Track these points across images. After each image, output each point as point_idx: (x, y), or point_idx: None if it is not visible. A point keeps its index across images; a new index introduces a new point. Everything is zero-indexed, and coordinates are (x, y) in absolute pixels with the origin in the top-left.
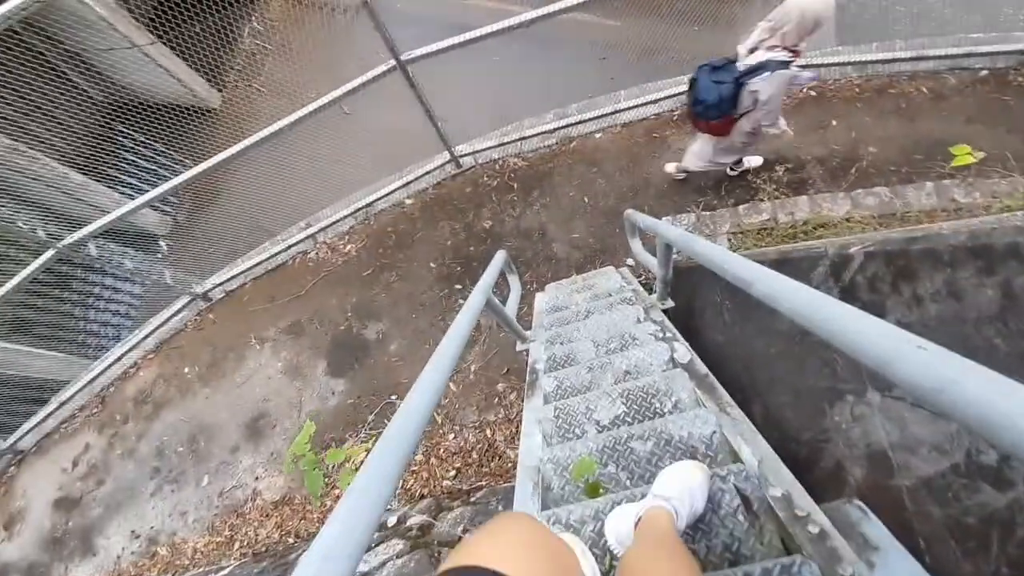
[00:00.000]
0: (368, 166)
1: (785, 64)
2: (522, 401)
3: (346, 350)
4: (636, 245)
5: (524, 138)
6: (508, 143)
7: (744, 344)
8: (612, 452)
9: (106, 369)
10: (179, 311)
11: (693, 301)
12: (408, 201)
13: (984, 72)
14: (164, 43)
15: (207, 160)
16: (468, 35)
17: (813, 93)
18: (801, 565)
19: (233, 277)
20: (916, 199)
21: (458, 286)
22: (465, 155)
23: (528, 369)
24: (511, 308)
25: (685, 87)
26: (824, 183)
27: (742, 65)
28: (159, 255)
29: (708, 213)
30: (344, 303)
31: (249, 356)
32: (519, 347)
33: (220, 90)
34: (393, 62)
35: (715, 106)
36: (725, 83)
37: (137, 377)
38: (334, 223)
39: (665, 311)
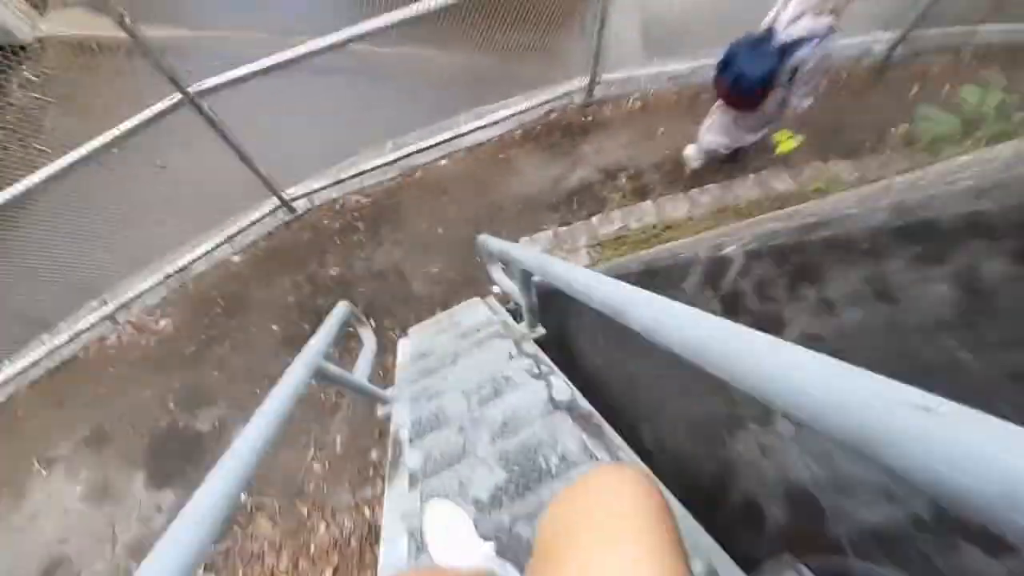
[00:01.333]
0: (181, 223)
1: (830, 32)
2: None
3: (172, 451)
4: (496, 272)
5: (363, 172)
6: (346, 179)
7: (623, 364)
8: (499, 546)
9: None
10: None
11: (565, 325)
12: (236, 258)
13: None
14: None
15: None
16: (264, 62)
17: (639, 104)
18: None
19: None
20: (744, 191)
21: None
22: (298, 198)
23: (391, 441)
24: (363, 367)
25: (520, 107)
26: (664, 187)
27: (785, 36)
28: None
29: (564, 228)
30: (164, 393)
31: (32, 487)
32: (379, 412)
33: None
34: (179, 95)
35: (760, 80)
36: (769, 56)
37: None
38: (140, 296)
39: (537, 340)
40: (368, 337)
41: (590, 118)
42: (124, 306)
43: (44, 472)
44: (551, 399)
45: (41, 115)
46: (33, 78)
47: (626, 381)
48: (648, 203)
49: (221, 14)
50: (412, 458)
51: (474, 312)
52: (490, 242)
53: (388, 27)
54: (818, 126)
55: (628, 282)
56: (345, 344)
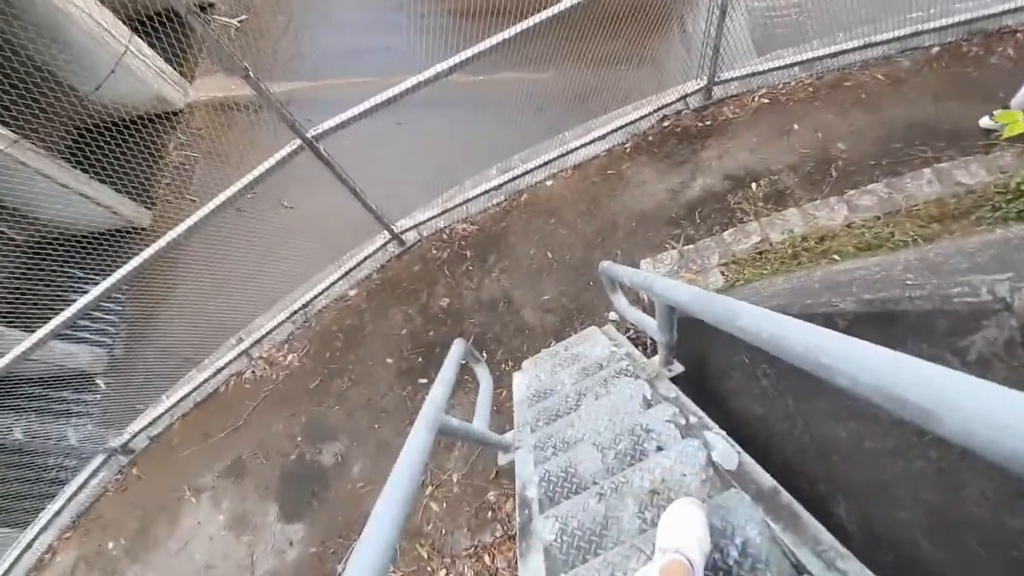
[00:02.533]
0: (303, 261)
1: None
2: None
3: (300, 484)
4: (620, 301)
5: (469, 200)
6: (452, 208)
7: (810, 425)
8: None
9: (15, 562)
10: (95, 473)
11: (707, 358)
12: (352, 293)
13: (936, 49)
14: (83, 171)
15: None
16: (369, 103)
17: (766, 100)
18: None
19: (157, 419)
20: (917, 189)
21: (422, 380)
22: (407, 230)
23: (517, 500)
24: (482, 410)
25: (630, 118)
26: (804, 191)
27: None
28: (98, 395)
29: (690, 247)
30: (291, 426)
31: (185, 514)
32: (501, 460)
33: (150, 207)
34: (299, 141)
35: None
36: None
37: (53, 565)
38: (270, 332)
39: (674, 378)
40: (485, 377)
41: (709, 121)
42: (257, 342)
43: (194, 500)
44: (710, 464)
45: (191, 170)
46: (183, 139)
47: (816, 446)
48: (793, 211)
49: (334, 66)
50: (546, 528)
51: (593, 343)
52: (615, 269)
53: (478, 55)
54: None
55: (819, 320)
56: (459, 378)
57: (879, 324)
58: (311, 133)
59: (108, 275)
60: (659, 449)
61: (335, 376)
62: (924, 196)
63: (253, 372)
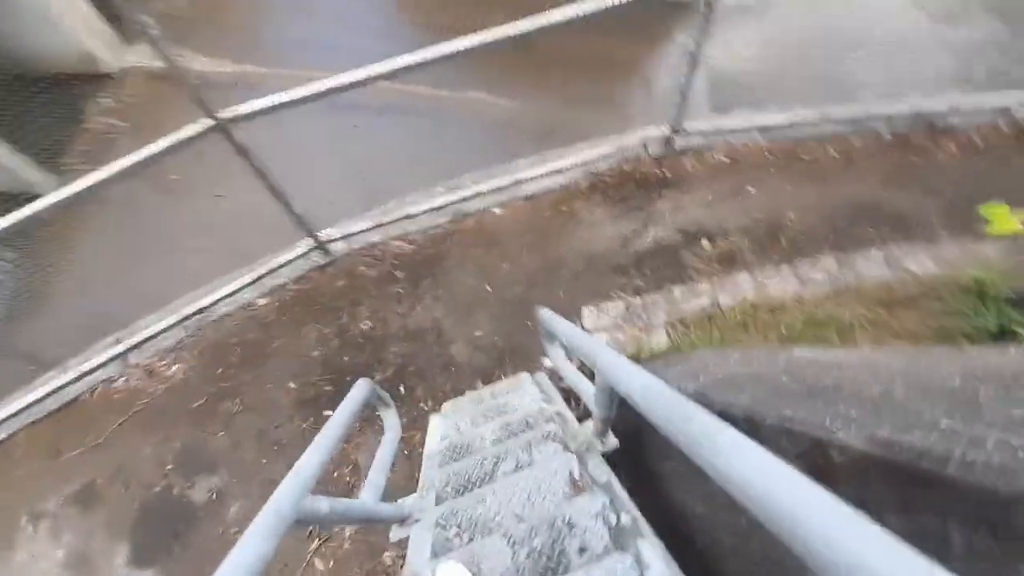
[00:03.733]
0: (212, 258)
1: None
2: None
3: (161, 522)
4: (556, 354)
5: (410, 217)
6: (389, 223)
7: (768, 550)
8: None
9: None
10: None
11: (646, 432)
12: (261, 301)
13: (888, 136)
14: None
15: None
16: (292, 93)
17: (725, 159)
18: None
19: (1, 422)
20: (867, 269)
21: (328, 411)
22: (334, 240)
23: None
24: (379, 469)
25: (589, 155)
26: (754, 255)
27: None
28: None
29: (638, 300)
30: (162, 451)
31: (17, 543)
32: (394, 535)
33: (59, 175)
34: (210, 121)
35: None
36: None
37: None
38: (155, 336)
39: (606, 454)
40: (392, 425)
41: (668, 172)
42: (137, 347)
43: (31, 529)
44: None
45: (113, 141)
46: (113, 105)
47: (766, 567)
48: (744, 276)
49: (296, 57)
50: None
51: (523, 393)
52: (555, 323)
53: (427, 62)
54: (951, 196)
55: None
56: (369, 415)
57: (907, 486)
58: (223, 115)
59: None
60: (581, 551)
61: (224, 397)
62: (873, 278)
63: (127, 381)
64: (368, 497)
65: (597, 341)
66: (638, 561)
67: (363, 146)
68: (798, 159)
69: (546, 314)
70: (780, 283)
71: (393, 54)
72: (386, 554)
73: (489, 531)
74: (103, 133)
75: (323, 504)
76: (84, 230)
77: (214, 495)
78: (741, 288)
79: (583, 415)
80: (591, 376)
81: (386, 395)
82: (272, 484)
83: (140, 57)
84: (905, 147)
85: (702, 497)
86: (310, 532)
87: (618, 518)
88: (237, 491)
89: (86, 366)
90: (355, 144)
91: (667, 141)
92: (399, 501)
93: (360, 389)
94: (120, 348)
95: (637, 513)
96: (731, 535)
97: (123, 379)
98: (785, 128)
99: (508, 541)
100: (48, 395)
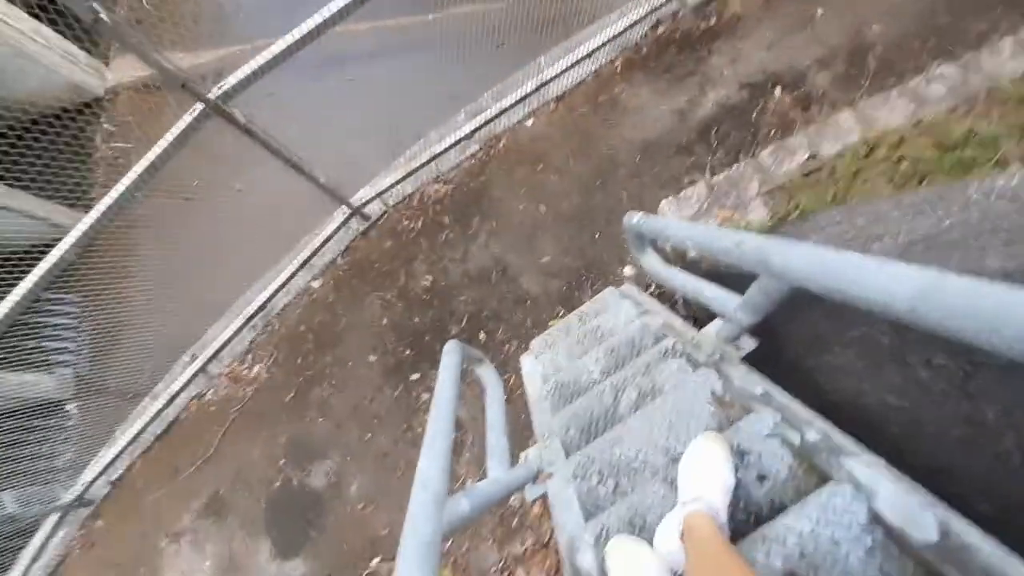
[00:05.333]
0: (252, 259)
1: None
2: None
3: (292, 514)
4: (654, 265)
5: (437, 156)
6: (419, 168)
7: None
8: None
9: None
10: (53, 533)
11: (789, 319)
12: (316, 284)
13: None
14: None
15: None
16: (272, 49)
17: None
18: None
19: (115, 460)
20: (996, 66)
21: (414, 375)
22: (369, 201)
23: (564, 552)
24: (496, 434)
25: (616, 29)
26: (840, 91)
27: None
28: (71, 422)
29: (720, 177)
30: (271, 448)
31: (166, 564)
32: (530, 495)
33: (87, 210)
34: (200, 105)
35: None
36: None
37: None
38: (227, 344)
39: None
40: (492, 380)
41: (713, 20)
42: (214, 357)
43: (175, 548)
44: (878, 524)
45: (127, 162)
46: (112, 128)
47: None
48: (845, 114)
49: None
50: None
51: (615, 311)
52: (653, 224)
53: None
54: None
55: None
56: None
57: None
58: (213, 94)
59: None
60: (760, 479)
61: (313, 384)
62: (1008, 73)
63: (215, 391)
64: (497, 466)
65: (729, 230)
66: (857, 487)
67: (368, 98)
68: None
69: (637, 218)
70: (889, 112)
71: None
72: (512, 498)
73: (635, 473)
74: (115, 159)
75: (463, 504)
76: (128, 257)
77: (332, 478)
78: (843, 129)
79: (688, 318)
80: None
81: (475, 351)
82: (383, 456)
83: (122, 73)
84: None
85: (900, 387)
86: None
87: (802, 435)
88: (353, 469)
89: (174, 387)
90: (359, 98)
91: None
92: (523, 455)
93: (449, 355)
94: (198, 363)
95: (826, 425)
96: (964, 424)
97: (211, 391)
98: None
99: (669, 483)
100: (148, 424)
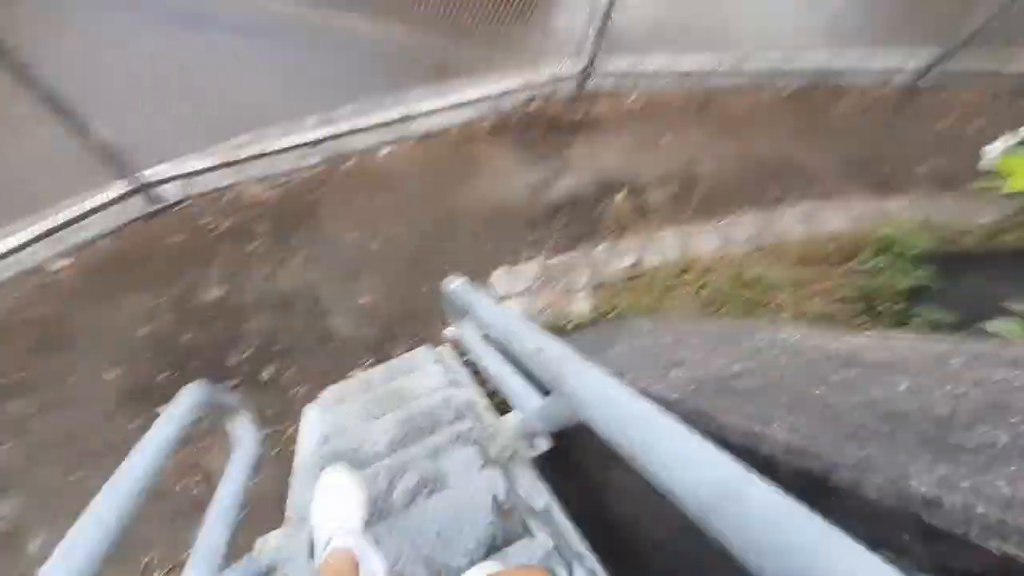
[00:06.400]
0: None
1: None
2: None
3: None
4: (469, 331)
5: (271, 153)
6: (245, 160)
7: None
8: None
9: None
10: None
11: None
12: (59, 264)
13: (791, 89)
14: None
15: None
16: None
17: (639, 105)
18: None
19: None
20: (788, 226)
21: (163, 407)
22: (165, 181)
23: None
24: (228, 495)
25: (493, 90)
26: (670, 210)
27: None
28: None
29: (555, 261)
30: None
31: None
32: None
33: None
34: None
35: None
36: None
37: None
38: None
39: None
40: (244, 437)
41: (581, 114)
42: None
43: None
44: None
45: None
46: None
47: None
48: (668, 233)
49: None
50: None
51: (422, 374)
52: (470, 298)
53: None
54: (845, 153)
55: None
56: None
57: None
58: None
59: None
60: None
61: (13, 394)
62: (795, 235)
63: None
64: (203, 563)
65: (548, 340)
66: None
67: (210, 67)
68: (711, 108)
69: (457, 284)
70: (702, 240)
71: None
72: None
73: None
74: None
75: None
76: None
77: (9, 525)
78: (666, 245)
79: (498, 398)
80: (513, 358)
81: (229, 399)
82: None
83: None
84: (807, 102)
85: (669, 524)
86: (149, 564)
87: (570, 571)
88: (42, 517)
89: None
90: (200, 64)
91: (582, 78)
92: (259, 543)
93: (187, 397)
94: None
95: (595, 564)
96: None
97: None
98: (700, 76)
99: None
100: None
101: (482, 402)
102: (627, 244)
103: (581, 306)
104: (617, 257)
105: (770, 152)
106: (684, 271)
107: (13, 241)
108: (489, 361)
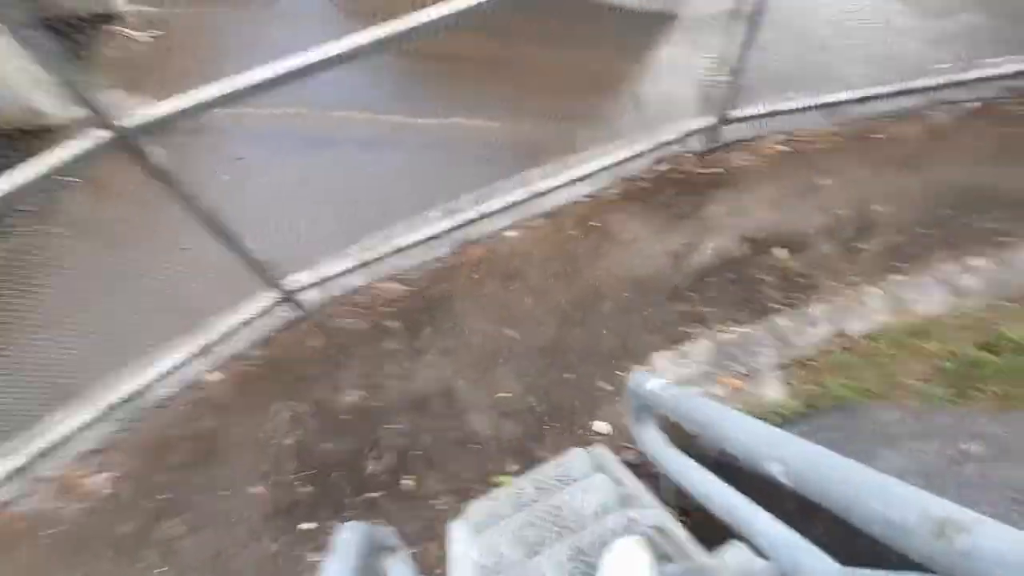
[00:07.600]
0: (137, 329)
1: None
2: None
3: None
4: (655, 441)
5: (400, 250)
6: (375, 260)
7: None
8: None
9: None
10: None
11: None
12: (213, 377)
13: (974, 105)
14: None
15: None
16: (223, 86)
17: (785, 148)
18: None
19: None
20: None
21: (307, 524)
22: (306, 288)
23: None
24: None
25: (618, 157)
26: (844, 263)
27: None
28: None
29: (727, 336)
30: None
31: None
32: None
33: None
34: (106, 134)
35: None
36: None
37: None
38: (71, 437)
39: None
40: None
41: (717, 168)
42: (46, 454)
43: None
44: None
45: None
46: None
47: None
48: (875, 291)
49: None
50: None
51: (585, 487)
52: (659, 390)
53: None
54: None
55: None
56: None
57: None
58: (123, 122)
59: None
60: None
61: (164, 514)
62: None
63: (36, 500)
64: None
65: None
66: None
67: (341, 180)
68: (872, 141)
69: (647, 380)
70: (921, 295)
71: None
72: None
73: None
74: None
75: None
76: None
77: None
78: (870, 308)
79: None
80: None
81: (387, 534)
82: None
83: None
84: (1002, 114)
85: None
86: None
87: None
88: None
89: None
90: (331, 179)
91: (714, 131)
92: None
93: (346, 541)
94: (22, 459)
95: None
96: None
97: (27, 499)
98: (851, 105)
99: None
100: None
101: (676, 527)
102: (815, 310)
103: (774, 390)
104: (809, 326)
105: (965, 180)
106: (913, 334)
107: (175, 358)
108: (697, 479)
